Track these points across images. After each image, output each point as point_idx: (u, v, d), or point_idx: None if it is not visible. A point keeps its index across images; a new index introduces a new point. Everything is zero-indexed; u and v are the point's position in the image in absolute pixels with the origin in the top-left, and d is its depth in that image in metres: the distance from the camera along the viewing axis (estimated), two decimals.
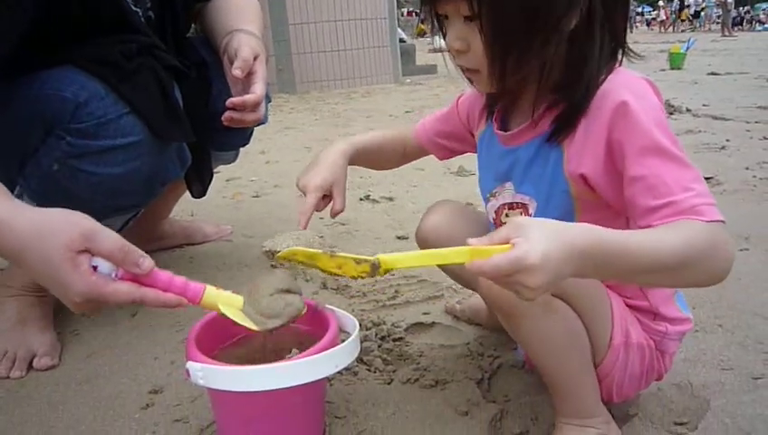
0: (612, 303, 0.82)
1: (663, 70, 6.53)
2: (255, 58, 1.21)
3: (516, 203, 0.89)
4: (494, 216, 0.94)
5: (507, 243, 0.60)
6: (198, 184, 1.50)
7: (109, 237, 0.72)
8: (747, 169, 2.29)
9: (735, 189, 2.05)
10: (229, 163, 1.67)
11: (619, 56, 0.78)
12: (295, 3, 5.60)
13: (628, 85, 0.74)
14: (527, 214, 0.87)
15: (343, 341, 0.83)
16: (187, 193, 1.54)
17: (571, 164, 0.78)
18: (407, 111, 4.18)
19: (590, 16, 0.72)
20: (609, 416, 0.87)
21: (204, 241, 1.81)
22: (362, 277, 0.75)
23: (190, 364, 0.78)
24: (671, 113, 3.53)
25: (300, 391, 0.78)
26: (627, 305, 0.85)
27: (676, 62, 6.65)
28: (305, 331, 0.92)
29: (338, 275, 0.79)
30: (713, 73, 5.89)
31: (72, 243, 0.70)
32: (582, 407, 0.84)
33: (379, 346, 1.17)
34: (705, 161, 2.41)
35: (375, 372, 1.08)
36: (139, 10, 1.23)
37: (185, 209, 2.00)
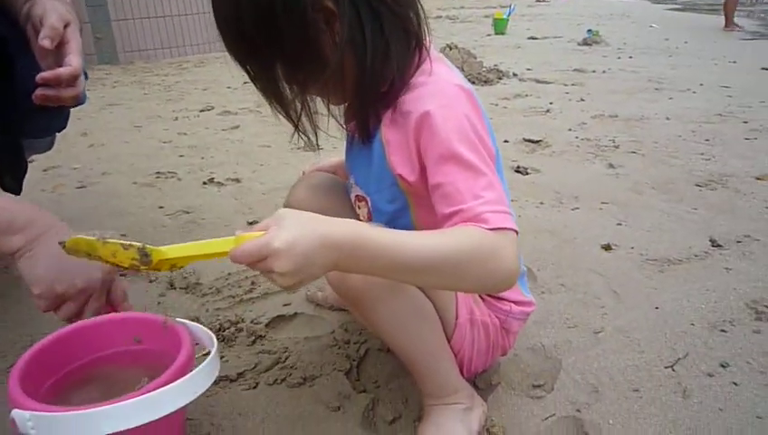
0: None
1: (489, 35, 6.90)
2: (66, 26, 1.03)
3: (360, 196, 0.90)
4: (354, 205, 0.92)
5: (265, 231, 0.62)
6: (11, 180, 1.28)
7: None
8: (570, 130, 2.50)
9: (563, 150, 2.23)
10: (45, 151, 1.44)
11: (421, 52, 0.78)
12: None
13: (439, 93, 0.74)
14: (368, 208, 0.89)
15: (198, 358, 0.75)
16: None
17: (392, 162, 0.79)
18: (245, 82, 3.97)
19: (359, 25, 0.71)
20: (472, 389, 0.90)
21: None
22: (137, 267, 0.70)
23: (16, 413, 0.65)
24: (500, 78, 3.74)
25: (155, 424, 0.69)
26: None
27: (499, 27, 7.06)
28: (155, 351, 0.82)
29: (115, 265, 0.71)
30: (532, 38, 6.35)
31: None
32: (445, 383, 0.86)
33: (240, 347, 1.10)
34: (533, 125, 2.59)
35: (238, 379, 1.01)
36: None
37: None
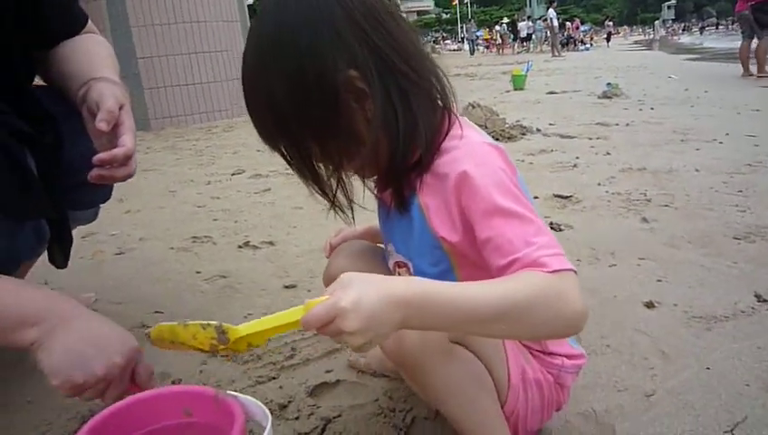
0: (505, 343, 0.84)
1: (508, 91, 7.04)
2: (120, 108, 1.09)
3: (401, 262, 0.91)
4: (394, 271, 0.93)
5: None
6: (59, 252, 1.32)
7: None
8: (599, 184, 2.51)
9: (594, 205, 2.23)
10: (88, 222, 1.49)
11: (450, 117, 0.80)
12: (143, 35, 5.28)
13: (472, 153, 0.76)
14: (409, 273, 0.89)
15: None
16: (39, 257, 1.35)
17: (433, 225, 0.80)
18: None
19: (390, 102, 0.74)
20: None
21: None
22: (216, 347, 0.71)
23: None
24: (523, 134, 3.79)
25: None
26: (523, 345, 0.88)
27: (518, 83, 7.22)
28: (206, 424, 0.82)
29: (197, 349, 0.72)
30: (551, 92, 6.46)
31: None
32: None
33: (285, 417, 1.09)
34: (562, 180, 2.60)
35: None
36: None
37: (36, 276, 1.75)
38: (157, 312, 1.58)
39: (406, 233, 0.86)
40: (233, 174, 3.26)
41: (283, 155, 0.80)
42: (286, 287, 1.70)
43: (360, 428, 1.05)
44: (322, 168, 0.81)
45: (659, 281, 1.56)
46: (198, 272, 1.86)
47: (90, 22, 1.30)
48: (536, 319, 0.66)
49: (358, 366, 1.24)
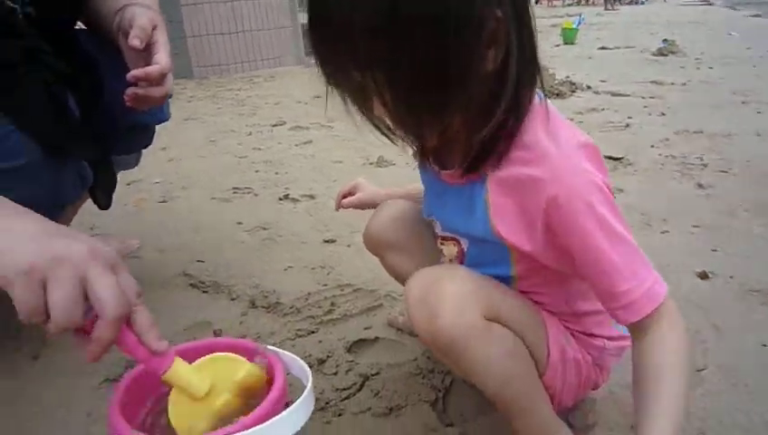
0: (547, 323, 0.81)
1: (558, 45, 6.76)
2: (154, 28, 1.06)
3: (447, 236, 0.86)
4: (437, 242, 0.90)
5: None
6: (102, 194, 1.34)
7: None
8: (653, 146, 2.39)
9: (646, 169, 2.14)
10: (131, 168, 1.50)
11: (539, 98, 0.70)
12: None
13: (564, 170, 0.67)
14: (459, 248, 0.84)
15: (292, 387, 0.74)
16: (84, 203, 1.36)
17: (497, 227, 0.74)
18: (316, 97, 4.03)
19: (506, 54, 0.63)
20: (567, 429, 0.85)
21: None
22: None
23: None
24: (573, 91, 3.64)
25: None
26: (564, 325, 0.84)
27: (569, 37, 6.91)
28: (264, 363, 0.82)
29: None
30: (603, 48, 6.17)
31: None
32: (541, 423, 0.81)
33: (324, 373, 1.10)
34: (613, 141, 2.49)
35: (324, 407, 1.00)
36: (17, 6, 1.04)
37: (82, 222, 1.79)
38: (198, 261, 1.60)
39: (459, 215, 0.79)
40: (274, 125, 3.25)
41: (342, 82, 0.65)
42: (326, 242, 1.69)
43: (398, 387, 1.05)
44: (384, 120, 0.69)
45: (714, 251, 1.49)
46: (239, 223, 1.87)
47: None
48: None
49: (396, 324, 1.23)
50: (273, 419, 0.67)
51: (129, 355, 0.64)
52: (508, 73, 0.64)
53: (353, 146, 2.66)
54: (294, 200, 2.06)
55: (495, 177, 0.72)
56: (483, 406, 0.97)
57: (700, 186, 1.93)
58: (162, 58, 1.05)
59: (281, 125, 3.25)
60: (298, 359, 0.81)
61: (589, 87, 3.73)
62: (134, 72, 1.01)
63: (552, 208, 0.67)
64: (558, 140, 0.69)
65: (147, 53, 1.04)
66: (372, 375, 1.08)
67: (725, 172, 2.05)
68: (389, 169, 2.34)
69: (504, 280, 0.79)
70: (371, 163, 2.42)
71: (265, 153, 2.69)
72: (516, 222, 0.72)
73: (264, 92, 4.36)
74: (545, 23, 11.18)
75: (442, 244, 0.88)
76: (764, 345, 1.11)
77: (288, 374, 0.81)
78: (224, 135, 3.10)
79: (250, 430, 0.65)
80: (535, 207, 0.68)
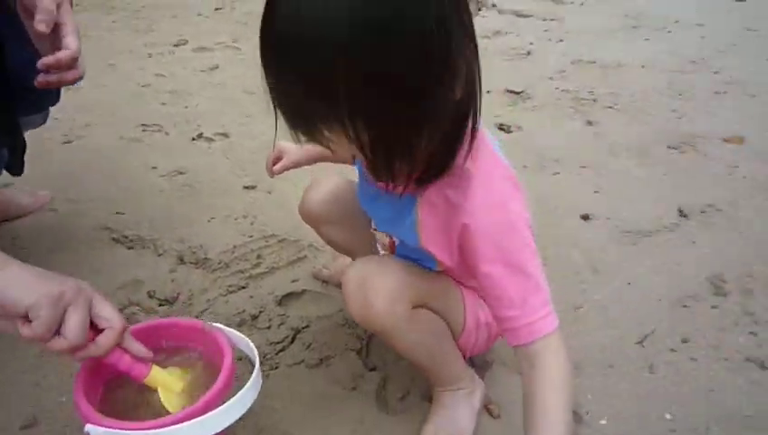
0: (465, 297, 0.94)
1: None
2: (59, 6, 1.03)
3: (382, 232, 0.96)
4: (372, 231, 1.00)
5: None
6: (12, 159, 1.31)
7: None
8: (550, 78, 2.55)
9: (543, 104, 2.30)
10: (40, 126, 1.45)
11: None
12: None
13: (488, 194, 0.75)
14: (391, 240, 0.95)
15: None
16: None
17: (425, 242, 0.83)
18: (217, 8, 3.82)
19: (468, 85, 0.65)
20: (473, 373, 1.03)
21: (21, 215, 1.59)
22: None
23: (91, 429, 0.75)
24: (479, 9, 3.69)
25: None
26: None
27: None
28: (197, 352, 0.92)
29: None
30: None
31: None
32: (452, 375, 0.99)
33: (258, 328, 1.20)
34: (515, 71, 2.62)
35: (261, 363, 1.11)
36: None
37: None
38: (118, 213, 1.60)
39: (394, 221, 0.87)
40: (175, 45, 3.07)
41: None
42: (246, 188, 1.73)
43: (327, 338, 1.18)
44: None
45: (596, 192, 1.70)
46: (154, 167, 1.86)
47: None
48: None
49: (321, 277, 1.35)
50: (230, 401, 0.78)
51: (111, 363, 0.74)
52: (470, 104, 0.67)
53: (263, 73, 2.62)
54: (209, 140, 2.04)
55: (426, 195, 0.79)
56: None
57: (589, 123, 2.13)
58: (72, 42, 1.01)
59: (182, 45, 3.09)
60: (244, 338, 0.91)
61: (494, 5, 3.79)
62: (44, 61, 0.98)
63: (463, 233, 0.77)
64: (483, 169, 0.75)
65: (54, 33, 1.01)
66: (303, 328, 1.21)
67: (611, 108, 2.25)
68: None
69: (428, 266, 0.91)
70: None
71: (170, 81, 2.59)
72: (440, 240, 0.82)
73: (161, 2, 4.05)
74: None
75: (375, 231, 0.98)
76: (629, 283, 1.33)
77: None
78: (122, 57, 2.91)
79: (213, 413, 0.76)
80: (453, 229, 0.78)
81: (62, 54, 0.99)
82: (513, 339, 0.77)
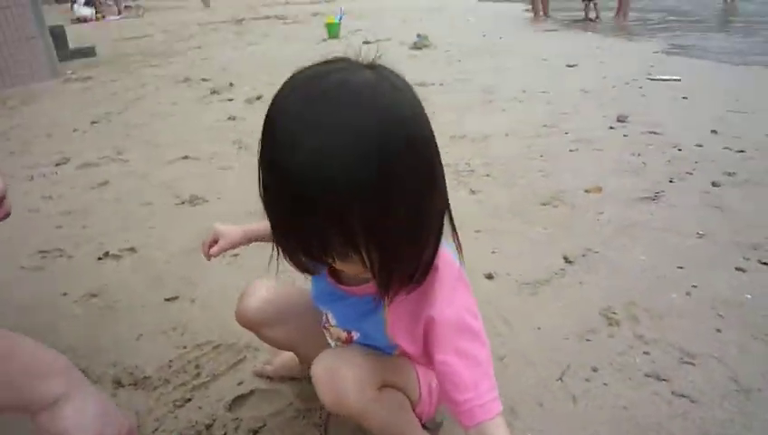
0: (418, 372, 1.06)
1: (325, 40, 7.13)
2: None
3: (340, 328, 1.04)
4: (322, 317, 1.08)
5: None
6: None
7: None
8: None
9: None
10: None
11: None
12: None
13: (446, 290, 0.86)
14: (349, 337, 1.03)
15: None
16: None
17: (392, 334, 0.94)
18: (93, 122, 3.79)
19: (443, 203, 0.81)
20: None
21: None
22: None
23: None
24: None
25: None
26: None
27: (332, 31, 7.33)
28: None
29: None
30: (366, 42, 6.66)
31: None
32: None
33: None
34: None
35: None
36: None
37: None
38: None
39: (359, 319, 0.97)
40: (57, 164, 3.02)
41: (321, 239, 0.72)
42: (167, 300, 1.75)
43: (285, 430, 1.23)
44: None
45: (494, 253, 1.91)
46: (64, 294, 1.82)
47: None
48: None
49: (266, 373, 1.40)
50: None
51: None
52: (447, 211, 0.82)
53: (156, 183, 2.65)
54: (116, 257, 2.03)
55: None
56: (357, 429, 1.21)
57: (473, 192, 2.39)
58: None
59: (64, 163, 3.04)
60: None
61: None
62: None
63: (428, 325, 0.88)
64: (443, 269, 0.87)
65: None
66: (260, 428, 1.25)
67: (488, 176, 2.54)
68: (204, 206, 2.41)
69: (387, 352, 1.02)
70: (183, 202, 2.45)
71: (60, 203, 2.54)
72: (407, 333, 0.92)
73: (28, 121, 3.94)
74: (306, 9, 11.53)
75: (327, 328, 1.07)
76: (539, 328, 1.52)
77: None
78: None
79: None
80: (420, 322, 0.89)
81: None
82: (469, 419, 0.84)
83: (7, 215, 1.09)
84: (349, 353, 0.98)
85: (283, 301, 1.15)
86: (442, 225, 0.81)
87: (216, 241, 1.20)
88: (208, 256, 1.21)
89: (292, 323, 1.16)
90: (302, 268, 0.85)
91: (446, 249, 0.89)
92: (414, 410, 1.07)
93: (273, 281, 1.17)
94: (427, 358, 0.93)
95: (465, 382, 0.84)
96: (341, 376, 0.92)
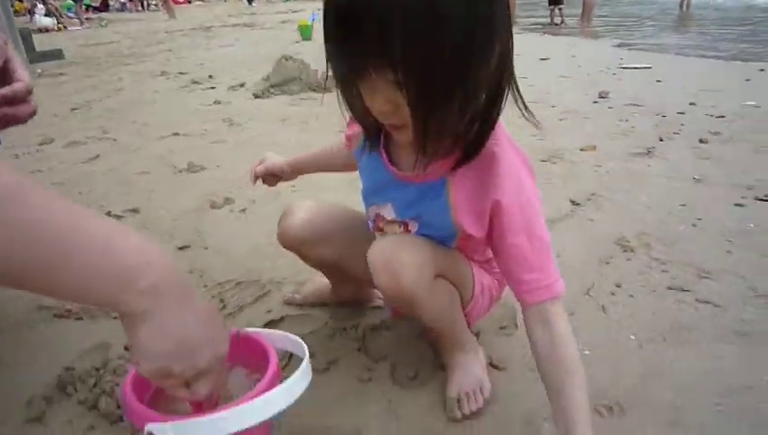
0: (473, 270, 1.06)
1: (298, 42, 7.16)
2: (5, 43, 1.04)
3: (395, 220, 1.02)
4: (373, 218, 1.06)
5: None
6: None
7: None
8: None
9: None
10: None
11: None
12: None
13: (511, 176, 0.85)
14: (407, 230, 1.01)
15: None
16: None
17: (460, 220, 0.91)
18: (73, 109, 3.71)
19: (501, 64, 0.73)
20: (474, 338, 1.15)
21: None
22: None
23: (154, 427, 0.73)
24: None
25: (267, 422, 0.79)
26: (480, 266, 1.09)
27: (306, 33, 7.37)
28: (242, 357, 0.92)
29: None
30: None
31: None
32: (464, 338, 1.10)
33: None
34: None
35: None
36: None
37: None
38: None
39: (421, 204, 0.94)
40: (40, 144, 2.94)
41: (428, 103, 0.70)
42: (180, 249, 1.72)
43: (324, 347, 1.22)
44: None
45: None
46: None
47: None
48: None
49: (295, 301, 1.38)
50: (284, 383, 0.79)
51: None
52: (504, 76, 0.74)
53: (149, 156, 2.62)
54: (118, 217, 1.99)
55: (455, 177, 0.87)
56: (396, 341, 1.22)
57: None
58: (24, 75, 1.02)
59: (49, 143, 2.97)
60: (285, 334, 0.94)
61: None
62: (1, 92, 0.98)
63: (495, 209, 0.87)
64: (506, 152, 0.85)
65: (3, 71, 1.01)
66: None
67: None
68: (203, 173, 2.38)
69: (445, 244, 1.00)
70: (181, 171, 2.42)
71: (52, 175, 2.47)
72: (471, 215, 0.90)
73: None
74: (274, 19, 11.56)
75: (381, 229, 1.04)
76: (558, 256, 1.56)
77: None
78: None
79: (269, 393, 0.77)
80: (485, 205, 0.86)
81: (17, 86, 0.99)
82: (531, 298, 0.86)
83: (34, 113, 1.07)
84: (408, 239, 0.97)
85: (324, 218, 1.14)
86: (498, 95, 0.77)
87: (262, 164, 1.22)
88: (254, 178, 1.23)
89: (336, 239, 1.14)
90: (359, 115, 0.82)
91: (507, 133, 0.89)
92: (464, 309, 1.08)
93: (311, 202, 1.16)
94: (488, 241, 0.94)
95: (531, 263, 0.86)
96: (398, 260, 0.90)
